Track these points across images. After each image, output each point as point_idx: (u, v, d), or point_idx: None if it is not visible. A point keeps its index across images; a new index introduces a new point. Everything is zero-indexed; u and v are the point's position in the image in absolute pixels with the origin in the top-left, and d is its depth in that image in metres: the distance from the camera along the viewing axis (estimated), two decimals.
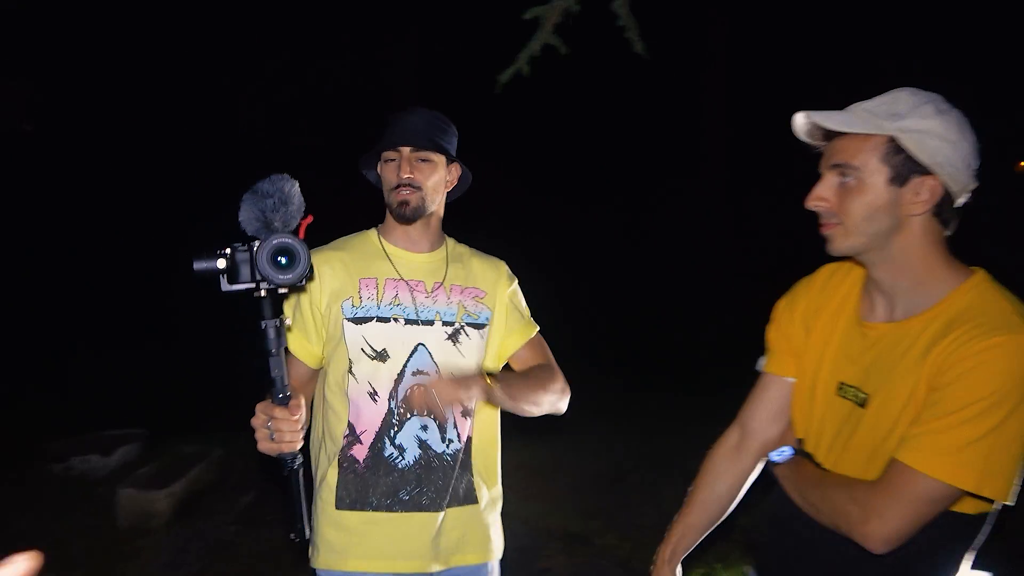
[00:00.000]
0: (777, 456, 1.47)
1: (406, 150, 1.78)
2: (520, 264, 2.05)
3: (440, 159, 1.81)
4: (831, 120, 1.29)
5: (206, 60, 11.20)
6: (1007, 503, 1.20)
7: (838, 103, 1.35)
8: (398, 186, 1.77)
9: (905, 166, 1.25)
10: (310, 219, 1.37)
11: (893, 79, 1.43)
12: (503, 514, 1.97)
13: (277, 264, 1.23)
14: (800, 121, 1.35)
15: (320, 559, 1.79)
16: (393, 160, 1.80)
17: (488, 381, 1.66)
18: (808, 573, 1.41)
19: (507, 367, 1.99)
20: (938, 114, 1.25)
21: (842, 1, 10.90)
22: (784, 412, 1.53)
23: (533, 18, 2.62)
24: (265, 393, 1.41)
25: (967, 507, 1.24)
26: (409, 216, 1.79)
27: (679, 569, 1.63)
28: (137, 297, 9.11)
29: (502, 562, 1.96)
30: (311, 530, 1.42)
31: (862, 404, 1.33)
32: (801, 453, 1.45)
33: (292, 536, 1.36)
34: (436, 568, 1.80)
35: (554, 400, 1.85)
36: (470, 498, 1.85)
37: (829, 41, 11.50)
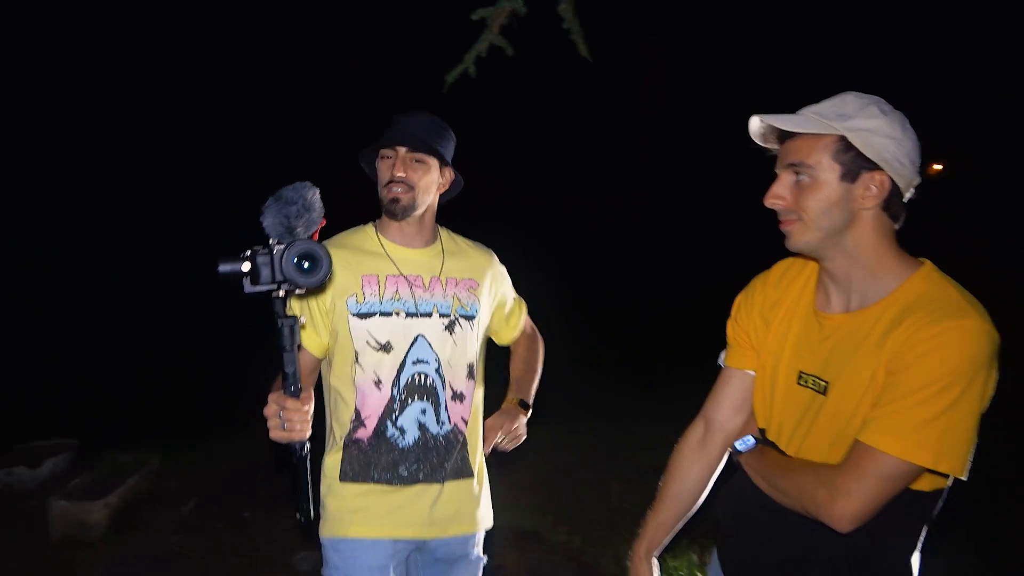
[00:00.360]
0: (741, 445, 1.53)
1: (402, 150, 1.88)
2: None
3: (433, 162, 1.91)
4: (784, 122, 1.37)
5: (208, 69, 11.08)
6: (961, 478, 1.28)
7: (775, 109, 1.42)
8: (390, 183, 1.88)
9: (855, 163, 1.33)
10: (323, 223, 1.45)
11: (827, 88, 1.50)
12: None
13: (301, 268, 1.31)
14: (755, 124, 1.43)
15: (326, 528, 1.93)
16: (389, 158, 1.90)
17: (517, 404, 2.06)
18: (772, 558, 1.47)
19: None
20: (882, 114, 1.33)
21: (776, 12, 11.37)
22: (746, 404, 1.59)
23: (480, 19, 2.67)
24: (271, 385, 1.53)
25: (924, 484, 1.32)
26: (398, 213, 1.89)
27: (655, 563, 1.68)
28: (65, 304, 8.76)
29: None
30: (315, 511, 1.56)
31: (823, 392, 1.39)
32: (764, 442, 1.50)
33: (298, 516, 1.49)
34: (432, 536, 1.95)
35: (542, 364, 2.23)
36: (466, 472, 2.00)
37: (765, 49, 11.96)
